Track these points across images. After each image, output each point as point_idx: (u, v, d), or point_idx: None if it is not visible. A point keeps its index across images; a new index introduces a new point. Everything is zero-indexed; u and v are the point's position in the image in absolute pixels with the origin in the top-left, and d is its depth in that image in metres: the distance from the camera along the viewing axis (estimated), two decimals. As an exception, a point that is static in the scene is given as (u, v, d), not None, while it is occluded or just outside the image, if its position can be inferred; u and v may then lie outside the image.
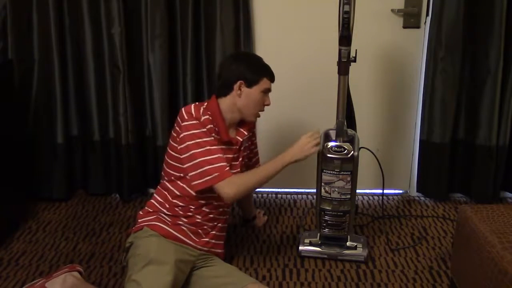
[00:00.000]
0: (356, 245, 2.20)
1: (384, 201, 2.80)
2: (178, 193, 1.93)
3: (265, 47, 2.66)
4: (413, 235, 2.45)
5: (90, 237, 2.42)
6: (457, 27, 2.52)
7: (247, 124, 2.08)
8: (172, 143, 1.93)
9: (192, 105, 1.92)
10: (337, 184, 2.07)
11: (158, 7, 2.53)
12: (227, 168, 1.85)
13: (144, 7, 2.58)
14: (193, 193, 1.90)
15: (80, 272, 1.98)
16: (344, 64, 2.00)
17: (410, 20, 2.63)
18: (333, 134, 2.08)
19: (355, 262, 2.19)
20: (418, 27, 2.64)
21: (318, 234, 2.22)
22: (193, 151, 1.84)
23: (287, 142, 1.97)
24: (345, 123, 2.08)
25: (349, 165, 2.04)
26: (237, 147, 2.00)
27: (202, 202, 1.93)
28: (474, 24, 2.54)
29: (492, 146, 2.64)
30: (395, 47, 2.69)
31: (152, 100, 2.69)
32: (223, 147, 1.92)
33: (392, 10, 2.61)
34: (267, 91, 2.02)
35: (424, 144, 2.74)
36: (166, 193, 1.96)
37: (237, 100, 1.96)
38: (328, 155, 2.04)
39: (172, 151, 1.93)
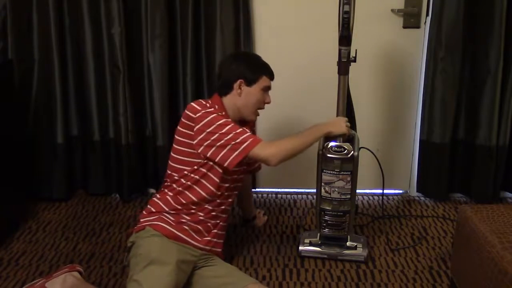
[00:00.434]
0: (356, 245, 2.20)
1: (384, 201, 2.81)
2: (182, 190, 1.94)
3: (265, 47, 2.66)
4: (413, 235, 2.45)
5: (90, 237, 2.42)
6: (457, 27, 2.52)
7: (248, 123, 2.09)
8: (182, 139, 1.94)
9: (199, 100, 1.97)
10: (337, 184, 2.07)
11: (158, 7, 2.53)
12: (256, 136, 1.91)
13: (144, 7, 2.58)
14: (200, 190, 1.93)
15: (80, 272, 1.98)
16: (344, 64, 2.01)
17: (410, 20, 2.63)
18: None
19: (355, 262, 2.18)
20: (418, 27, 2.64)
21: (318, 234, 2.22)
22: (217, 134, 1.85)
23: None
24: None
25: (349, 165, 2.04)
26: None
27: (207, 199, 1.94)
28: (474, 24, 2.54)
29: (492, 146, 2.64)
30: (395, 47, 2.69)
31: (152, 100, 2.69)
32: None
33: (392, 10, 2.61)
34: (267, 89, 2.03)
35: (424, 144, 2.74)
36: (170, 192, 1.96)
37: (237, 99, 1.99)
38: (328, 155, 2.04)
39: (183, 147, 1.93)
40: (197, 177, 1.93)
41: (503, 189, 2.81)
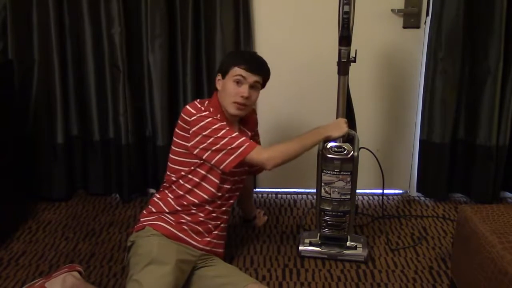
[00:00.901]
0: (356, 245, 2.20)
1: (384, 201, 2.81)
2: (182, 192, 1.94)
3: (265, 47, 2.66)
4: (413, 235, 2.45)
5: (90, 237, 2.42)
6: (457, 27, 2.52)
7: (250, 123, 2.10)
8: (178, 140, 1.94)
9: (196, 101, 1.96)
10: (337, 185, 2.07)
11: (158, 7, 2.53)
12: (252, 141, 1.89)
13: (144, 7, 2.58)
14: (201, 193, 1.93)
15: (80, 272, 1.98)
16: (344, 64, 2.01)
17: (410, 20, 2.63)
18: None
19: (355, 262, 2.18)
20: (418, 27, 2.64)
21: (318, 234, 2.22)
22: (212, 138, 1.85)
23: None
24: None
25: (349, 165, 2.04)
26: None
27: (208, 199, 1.94)
28: (474, 24, 2.54)
29: (492, 146, 2.64)
30: (395, 47, 2.69)
31: (152, 100, 2.69)
32: None
33: (392, 10, 2.61)
34: (240, 80, 1.92)
35: (424, 144, 2.74)
36: (171, 194, 1.96)
37: (219, 93, 2.00)
38: (328, 155, 2.04)
39: (179, 148, 1.94)
40: (196, 179, 1.93)
41: (503, 189, 2.81)
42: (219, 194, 1.96)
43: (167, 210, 1.94)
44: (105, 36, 2.60)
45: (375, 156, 2.36)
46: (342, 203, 2.10)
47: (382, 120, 2.80)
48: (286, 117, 2.75)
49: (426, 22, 2.62)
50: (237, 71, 1.93)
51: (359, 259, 2.18)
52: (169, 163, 2.00)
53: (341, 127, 2.01)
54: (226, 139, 1.85)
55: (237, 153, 1.85)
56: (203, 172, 1.93)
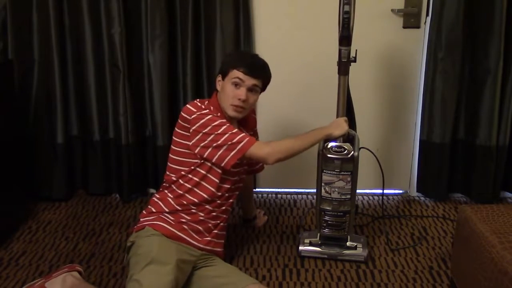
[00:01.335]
0: (356, 245, 2.20)
1: (384, 201, 2.80)
2: (182, 192, 1.94)
3: (265, 47, 2.66)
4: (413, 235, 2.44)
5: (90, 237, 2.42)
6: (457, 27, 2.52)
7: (248, 123, 2.10)
8: (178, 140, 1.95)
9: (196, 100, 1.96)
10: (337, 184, 2.07)
11: (158, 7, 2.53)
12: (252, 137, 1.89)
13: (144, 7, 2.58)
14: (201, 192, 1.93)
15: (79, 272, 1.98)
16: (344, 64, 2.01)
17: (410, 20, 2.63)
18: None
19: (355, 262, 2.18)
20: (418, 27, 2.64)
21: (318, 234, 2.22)
22: (212, 135, 1.85)
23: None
24: None
25: (349, 165, 2.04)
26: None
27: (208, 199, 1.94)
28: (474, 24, 2.54)
29: (492, 146, 2.64)
30: (395, 47, 2.69)
31: (152, 100, 2.69)
32: None
33: (392, 10, 2.61)
34: (238, 82, 1.92)
35: (424, 144, 2.74)
36: (171, 194, 1.97)
37: (219, 94, 2.00)
38: (328, 155, 2.04)
39: (179, 147, 1.95)
40: (196, 179, 1.93)
41: (503, 189, 2.81)
42: (219, 193, 1.96)
43: (167, 210, 1.94)
44: (105, 36, 2.60)
45: (375, 156, 2.36)
46: (342, 203, 2.10)
47: (382, 120, 2.80)
48: (286, 117, 2.75)
49: (426, 22, 2.62)
50: (235, 73, 1.93)
51: (359, 259, 2.18)
52: (168, 163, 2.00)
53: (342, 126, 2.01)
54: (226, 135, 1.85)
55: (237, 149, 1.84)
56: (203, 171, 1.93)
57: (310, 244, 2.23)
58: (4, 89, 2.44)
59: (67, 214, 2.67)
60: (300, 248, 2.23)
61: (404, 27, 2.64)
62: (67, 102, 2.73)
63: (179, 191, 1.95)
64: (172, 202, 1.94)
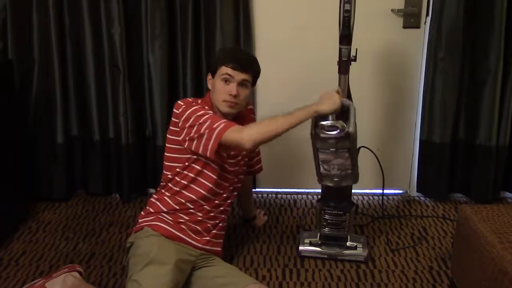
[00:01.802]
0: (356, 245, 2.20)
1: (384, 201, 2.80)
2: (178, 189, 1.95)
3: (265, 47, 2.66)
4: (413, 235, 2.44)
5: (90, 237, 2.42)
6: (457, 27, 2.52)
7: (246, 122, 2.09)
8: (171, 137, 1.96)
9: (187, 98, 1.99)
10: (335, 162, 1.98)
11: (158, 7, 2.53)
12: (231, 122, 1.84)
13: (144, 7, 2.58)
14: (198, 188, 1.93)
15: (80, 272, 1.98)
16: (344, 63, 2.00)
17: (410, 20, 2.63)
18: None
19: (355, 262, 2.18)
20: (418, 27, 2.64)
21: (318, 234, 2.22)
22: (196, 125, 1.83)
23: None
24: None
25: (346, 143, 1.91)
26: None
27: (206, 196, 1.94)
28: (474, 24, 2.54)
29: (492, 146, 2.64)
30: (395, 47, 2.68)
31: (152, 100, 2.69)
32: None
33: (392, 10, 2.61)
34: (227, 78, 1.92)
35: (424, 144, 2.74)
36: (168, 192, 1.97)
37: (211, 92, 2.00)
38: (321, 135, 1.90)
39: (172, 144, 1.96)
40: (191, 175, 1.93)
41: (503, 189, 2.81)
42: (217, 190, 1.95)
43: (165, 210, 1.93)
44: (105, 36, 2.60)
45: (375, 155, 2.36)
46: (344, 178, 2.03)
47: (382, 120, 2.80)
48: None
49: (426, 22, 2.62)
50: (224, 70, 1.93)
51: (359, 259, 2.18)
52: (164, 162, 2.01)
53: (333, 99, 1.85)
54: (207, 123, 1.81)
55: (215, 134, 1.78)
56: (198, 167, 1.92)
57: (310, 244, 2.23)
58: (4, 89, 2.43)
59: (67, 214, 2.67)
60: (300, 248, 2.23)
61: (404, 27, 2.64)
62: (67, 102, 2.72)
63: (176, 188, 1.95)
64: (170, 202, 1.94)
